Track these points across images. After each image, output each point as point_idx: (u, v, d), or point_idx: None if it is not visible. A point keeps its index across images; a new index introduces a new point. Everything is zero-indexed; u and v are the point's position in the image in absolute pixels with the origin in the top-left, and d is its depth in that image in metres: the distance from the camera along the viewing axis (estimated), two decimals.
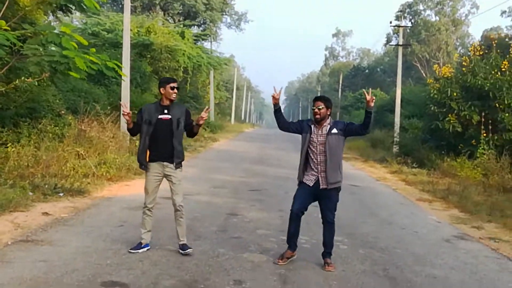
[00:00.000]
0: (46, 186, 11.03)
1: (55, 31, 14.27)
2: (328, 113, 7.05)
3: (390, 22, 35.59)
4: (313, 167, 7.06)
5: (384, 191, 16.24)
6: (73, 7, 15.76)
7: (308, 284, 6.26)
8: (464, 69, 23.04)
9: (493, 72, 21.25)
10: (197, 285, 5.88)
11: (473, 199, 14.06)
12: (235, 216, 10.23)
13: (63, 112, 17.08)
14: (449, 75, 23.75)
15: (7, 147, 12.97)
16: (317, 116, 6.98)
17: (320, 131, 7.02)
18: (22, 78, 13.54)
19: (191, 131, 7.42)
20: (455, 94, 21.95)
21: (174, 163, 7.18)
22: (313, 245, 8.21)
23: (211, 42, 54.89)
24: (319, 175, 7.03)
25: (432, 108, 22.91)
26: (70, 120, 16.80)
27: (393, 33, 61.17)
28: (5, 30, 13.02)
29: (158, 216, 9.31)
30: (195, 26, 53.32)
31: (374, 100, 6.78)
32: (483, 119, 21.17)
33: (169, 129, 7.11)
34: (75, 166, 13.39)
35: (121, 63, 19.58)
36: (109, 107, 19.33)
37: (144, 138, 7.16)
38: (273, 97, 7.18)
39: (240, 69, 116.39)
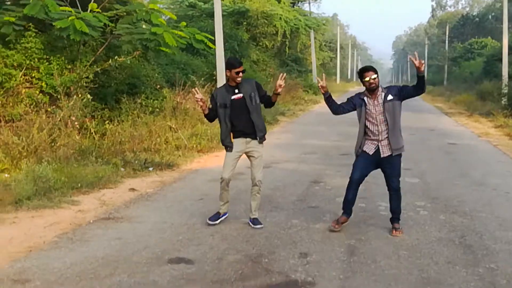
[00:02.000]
0: (136, 161, 11.42)
1: (144, 9, 14.72)
2: (378, 81, 6.87)
3: None
4: (373, 138, 6.94)
5: (484, 148, 15.63)
6: None
7: (376, 255, 6.16)
8: None
9: None
10: (262, 259, 5.95)
11: None
12: (317, 184, 10.20)
13: (158, 86, 17.57)
14: None
15: (105, 125, 13.54)
16: (373, 85, 6.81)
17: (375, 101, 6.88)
18: (116, 57, 14.09)
19: (268, 102, 7.43)
20: None
21: (258, 138, 7.24)
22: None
23: (309, 3, 54.26)
24: (379, 144, 6.92)
25: None
26: (166, 94, 17.28)
27: None
28: (97, 12, 13.58)
29: (240, 186, 9.51)
30: None
31: (423, 64, 6.57)
32: None
33: (244, 107, 7.14)
34: (167, 140, 13.81)
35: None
36: (202, 79, 19.65)
37: (224, 121, 7.22)
38: (321, 86, 7.12)
39: (344, 27, 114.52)
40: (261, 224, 7.28)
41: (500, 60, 30.27)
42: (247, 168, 10.93)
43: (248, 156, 7.37)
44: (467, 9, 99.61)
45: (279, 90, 7.28)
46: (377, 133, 6.90)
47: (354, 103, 7.04)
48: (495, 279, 5.52)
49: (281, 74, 7.48)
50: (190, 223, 7.40)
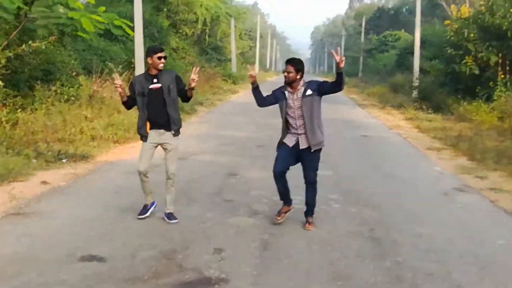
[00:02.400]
0: (50, 152, 11.15)
1: None
2: (298, 76, 6.98)
3: None
4: (293, 131, 7.10)
5: (394, 140, 16.18)
6: None
7: (289, 250, 6.31)
8: (482, 8, 22.44)
9: (511, 10, 20.63)
10: (176, 256, 5.98)
11: (483, 146, 13.89)
12: (233, 177, 10.31)
13: (75, 73, 17.16)
14: (468, 15, 23.24)
15: (17, 113, 13.11)
16: (286, 79, 6.97)
17: (295, 95, 7.01)
18: (30, 42, 13.66)
19: (185, 96, 7.40)
20: (472, 35, 21.58)
21: (172, 131, 7.24)
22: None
23: None
24: (299, 137, 7.07)
25: (449, 51, 22.56)
26: (82, 81, 16.92)
27: None
28: None
29: (156, 179, 9.43)
30: None
31: (343, 60, 6.67)
32: (500, 60, 20.78)
33: (161, 98, 7.10)
34: (83, 130, 13.53)
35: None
36: (120, 66, 19.32)
37: (141, 110, 7.18)
38: (251, 75, 7.19)
39: (265, 16, 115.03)
40: (176, 219, 7.28)
41: (412, 53, 31.22)
42: (163, 160, 10.95)
43: (163, 148, 7.35)
44: (383, 1, 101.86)
45: (193, 84, 7.27)
46: (295, 127, 7.04)
47: (276, 97, 7.15)
48: (401, 273, 5.75)
49: (194, 68, 7.44)
50: (103, 217, 7.33)
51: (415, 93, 27.24)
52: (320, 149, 7.22)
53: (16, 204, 7.89)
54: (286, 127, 7.16)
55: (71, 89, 15.95)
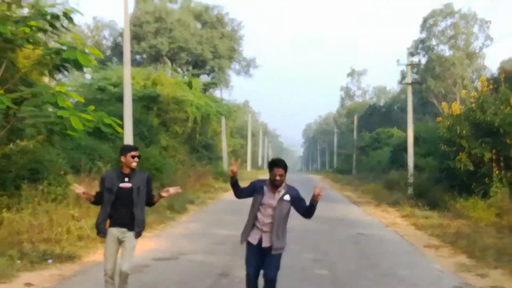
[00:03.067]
0: (35, 253, 10.72)
1: (51, 91, 14.24)
2: (285, 178, 6.99)
3: (398, 61, 34.98)
4: (258, 226, 7.00)
5: (391, 238, 15.78)
6: (70, 66, 15.69)
7: None
8: (473, 105, 22.61)
9: (502, 107, 20.75)
10: None
11: (482, 243, 13.52)
12: (225, 277, 9.90)
13: (62, 172, 16.89)
14: (459, 112, 23.36)
15: (2, 213, 12.76)
16: (278, 182, 6.94)
17: (272, 194, 6.96)
18: (17, 141, 13.47)
19: (149, 200, 7.31)
20: (464, 131, 21.55)
21: (134, 232, 7.06)
22: None
23: (221, 89, 55.14)
24: (263, 234, 6.98)
25: (443, 147, 22.52)
26: (70, 180, 16.63)
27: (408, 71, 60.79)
28: (1, 94, 13.00)
29: (146, 280, 9.09)
30: (204, 75, 53.59)
31: (320, 195, 6.79)
32: (494, 157, 20.70)
33: (130, 198, 6.99)
34: (69, 229, 13.11)
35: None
36: (109, 164, 19.08)
37: (105, 206, 7.06)
38: (232, 170, 7.11)
39: (256, 114, 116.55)
40: None
41: (406, 149, 31.29)
42: (153, 261, 10.51)
43: (121, 246, 7.13)
44: (374, 99, 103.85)
45: (164, 195, 7.26)
46: (262, 223, 6.97)
47: (254, 189, 7.12)
48: None
49: (166, 189, 7.36)
50: None
51: (410, 190, 27.03)
52: (281, 254, 7.11)
53: None
54: (253, 219, 7.06)
55: (59, 188, 15.63)
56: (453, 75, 61.65)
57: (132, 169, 7.07)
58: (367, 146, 60.13)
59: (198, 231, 15.95)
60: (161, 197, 7.28)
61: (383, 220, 20.27)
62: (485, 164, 20.92)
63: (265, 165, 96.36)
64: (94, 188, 16.31)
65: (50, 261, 10.57)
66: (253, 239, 7.03)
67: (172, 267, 10.68)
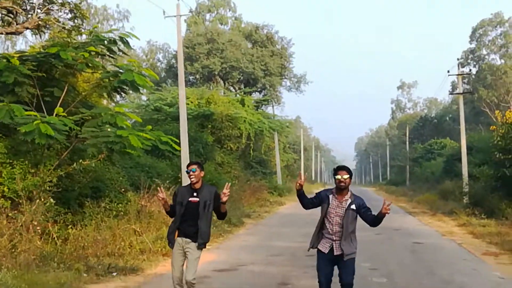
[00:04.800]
0: (100, 266, 11.14)
1: (110, 112, 14.83)
2: (349, 182, 7.19)
3: (448, 71, 34.70)
4: (327, 236, 7.22)
5: (449, 246, 15.74)
6: (127, 88, 16.27)
7: None
8: None
9: None
10: None
11: None
12: (285, 286, 10.10)
13: (123, 189, 17.46)
14: None
15: (67, 229, 13.29)
16: (342, 184, 7.14)
17: (340, 203, 7.17)
18: (80, 161, 14.04)
19: (219, 212, 7.68)
20: None
21: (197, 243, 7.44)
22: None
23: (273, 106, 55.57)
24: (333, 243, 7.17)
25: (498, 155, 22.29)
26: (130, 197, 17.17)
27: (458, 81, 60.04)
28: (63, 116, 13.63)
29: None
30: (256, 92, 54.16)
31: (388, 212, 6.98)
32: None
33: (196, 211, 7.41)
34: (132, 243, 13.57)
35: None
36: (167, 181, 19.57)
37: (176, 218, 7.52)
38: (299, 183, 7.30)
39: (307, 130, 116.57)
40: None
41: (460, 160, 31.03)
42: (213, 272, 10.83)
43: (186, 257, 7.52)
44: (425, 111, 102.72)
45: (225, 199, 7.50)
46: (331, 232, 7.16)
47: (321, 199, 7.31)
48: None
49: (227, 184, 7.65)
50: None
51: (466, 199, 26.77)
52: (354, 259, 7.30)
53: None
54: (321, 228, 7.28)
55: (120, 205, 16.19)
56: (505, 83, 60.75)
57: (202, 185, 7.53)
58: (420, 157, 59.66)
59: (256, 243, 16.25)
60: (223, 203, 7.57)
61: (439, 229, 20.19)
62: None
63: (319, 179, 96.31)
64: (154, 203, 16.91)
65: (114, 273, 10.98)
66: (324, 247, 7.23)
67: (232, 277, 10.95)
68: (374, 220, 7.13)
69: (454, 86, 64.14)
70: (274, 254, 14.03)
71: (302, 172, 67.75)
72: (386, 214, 6.97)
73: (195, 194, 7.47)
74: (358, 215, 7.21)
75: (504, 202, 21.52)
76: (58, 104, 13.97)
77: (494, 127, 24.82)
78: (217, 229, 17.67)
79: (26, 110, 13.11)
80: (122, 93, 18.54)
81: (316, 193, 7.54)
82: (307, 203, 7.46)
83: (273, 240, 16.98)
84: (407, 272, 11.51)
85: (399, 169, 73.24)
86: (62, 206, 14.19)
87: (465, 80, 57.93)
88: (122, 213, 15.86)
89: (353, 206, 7.12)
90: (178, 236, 7.52)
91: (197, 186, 7.50)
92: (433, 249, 15.06)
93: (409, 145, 70.00)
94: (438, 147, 57.67)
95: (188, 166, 7.60)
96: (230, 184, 7.67)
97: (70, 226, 13.53)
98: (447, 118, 78.90)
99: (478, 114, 62.76)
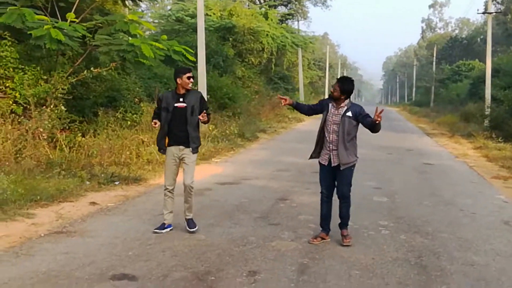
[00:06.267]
0: (103, 175, 11.23)
1: (123, 20, 14.61)
2: (343, 97, 7.15)
3: None
4: (326, 146, 7.23)
5: (459, 168, 15.59)
6: None
7: (326, 274, 6.04)
8: None
9: None
10: (208, 277, 5.81)
11: None
12: (283, 201, 10.08)
13: (137, 100, 17.46)
14: None
15: (76, 138, 13.32)
16: (332, 93, 7.24)
17: (336, 111, 7.15)
18: (91, 68, 13.97)
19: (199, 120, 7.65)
20: None
21: (191, 148, 7.50)
22: (354, 230, 7.92)
23: (298, 21, 54.54)
24: (331, 153, 7.18)
25: None
26: (143, 107, 17.19)
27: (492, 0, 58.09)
28: (75, 22, 13.46)
29: (205, 202, 9.51)
30: (281, 6, 53.03)
31: (381, 118, 6.90)
32: None
33: (184, 116, 7.39)
34: (140, 154, 13.66)
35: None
36: None
37: (163, 124, 7.49)
38: (285, 104, 7.46)
39: (335, 47, 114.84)
40: (195, 226, 7.62)
41: (485, 82, 30.42)
42: (215, 185, 10.88)
43: (182, 162, 7.59)
44: (457, 31, 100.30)
45: (202, 119, 7.54)
46: (328, 141, 7.18)
47: (322, 106, 7.35)
48: None
49: (204, 111, 7.58)
50: (144, 238, 7.26)
51: (486, 122, 26.38)
52: (351, 168, 7.29)
53: (61, 223, 7.94)
54: (320, 139, 7.29)
55: (135, 115, 16.25)
56: None
57: (187, 90, 7.45)
58: (447, 78, 58.65)
59: (265, 158, 16.29)
60: (203, 122, 7.71)
61: (453, 151, 20.01)
62: None
63: None
64: None
65: (117, 182, 11.11)
66: (323, 159, 7.28)
67: (232, 191, 10.98)
68: (371, 125, 7.06)
69: (486, 6, 62.12)
70: (280, 169, 14.05)
71: (326, 93, 67.45)
72: (377, 122, 6.89)
73: (181, 99, 7.41)
74: (357, 123, 7.17)
75: None
76: (72, 10, 13.79)
77: None
78: (229, 143, 17.72)
79: (38, 15, 12.98)
80: (139, 1, 18.29)
81: (319, 101, 7.60)
82: (307, 109, 7.60)
83: (284, 155, 16.98)
84: (410, 192, 11.44)
85: (425, 90, 72.27)
86: (77, 114, 14.27)
87: (499, 0, 56.02)
88: (135, 123, 15.94)
89: (349, 113, 7.09)
90: (169, 145, 7.55)
91: (183, 91, 7.45)
92: (442, 171, 14.95)
93: (437, 66, 68.74)
94: (466, 68, 56.52)
95: (184, 73, 7.43)
96: (205, 112, 7.58)
97: (80, 135, 13.59)
98: (478, 40, 76.88)
99: (510, 36, 61.00)
